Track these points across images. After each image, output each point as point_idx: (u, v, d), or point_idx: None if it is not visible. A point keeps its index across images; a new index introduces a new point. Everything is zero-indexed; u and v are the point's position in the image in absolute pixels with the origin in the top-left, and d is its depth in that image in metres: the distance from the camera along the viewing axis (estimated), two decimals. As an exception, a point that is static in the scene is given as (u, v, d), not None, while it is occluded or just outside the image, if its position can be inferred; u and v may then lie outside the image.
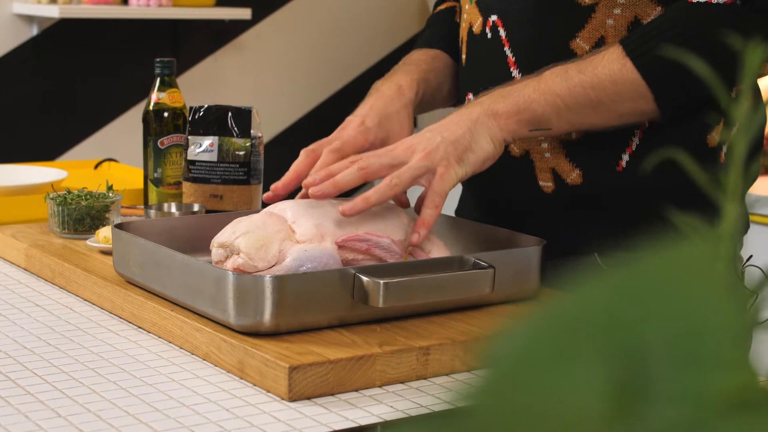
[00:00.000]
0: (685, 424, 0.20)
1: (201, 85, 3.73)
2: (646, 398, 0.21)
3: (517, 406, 0.21)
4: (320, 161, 1.23)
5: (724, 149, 1.26)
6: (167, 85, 1.63)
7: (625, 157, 1.24)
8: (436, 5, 1.55)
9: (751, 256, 1.30)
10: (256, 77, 3.81)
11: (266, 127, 3.85)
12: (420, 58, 1.44)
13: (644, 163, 1.22)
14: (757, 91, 1.30)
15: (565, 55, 1.23)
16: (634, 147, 1.23)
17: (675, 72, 1.15)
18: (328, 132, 1.33)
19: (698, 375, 0.20)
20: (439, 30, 1.48)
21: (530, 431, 0.20)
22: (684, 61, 0.36)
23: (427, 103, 1.42)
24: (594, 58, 1.18)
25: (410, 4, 4.06)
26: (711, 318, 0.21)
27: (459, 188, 1.45)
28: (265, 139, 3.87)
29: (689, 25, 1.16)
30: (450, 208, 1.48)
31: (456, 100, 1.46)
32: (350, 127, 1.29)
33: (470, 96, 1.36)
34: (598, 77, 1.16)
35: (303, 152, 1.25)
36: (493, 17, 1.30)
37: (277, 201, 1.21)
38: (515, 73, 1.27)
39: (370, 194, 1.13)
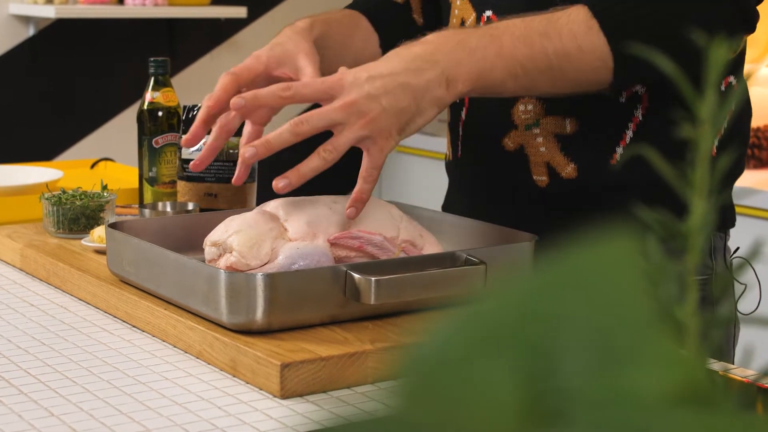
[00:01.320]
0: (609, 417, 0.20)
1: (197, 84, 3.73)
2: (558, 392, 0.21)
3: (435, 404, 0.21)
4: (217, 86, 1.21)
5: (716, 142, 1.26)
6: (161, 84, 1.63)
7: (620, 150, 1.24)
8: None
9: (738, 248, 1.30)
10: (253, 75, 3.81)
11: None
12: (328, 9, 1.40)
13: (617, 160, 1.22)
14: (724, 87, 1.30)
15: None
16: (628, 140, 1.24)
17: (643, 46, 1.13)
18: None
19: (614, 370, 0.21)
20: (369, 5, 1.43)
21: (446, 429, 0.20)
22: (651, 59, 0.37)
23: (332, 46, 1.34)
24: (560, 18, 1.12)
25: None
26: (627, 314, 0.22)
27: (444, 183, 1.46)
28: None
29: None
30: (436, 203, 1.48)
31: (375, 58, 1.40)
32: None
33: None
34: (563, 44, 1.11)
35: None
36: (488, 12, 1.30)
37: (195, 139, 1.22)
38: None
39: (303, 169, 1.08)
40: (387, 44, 1.36)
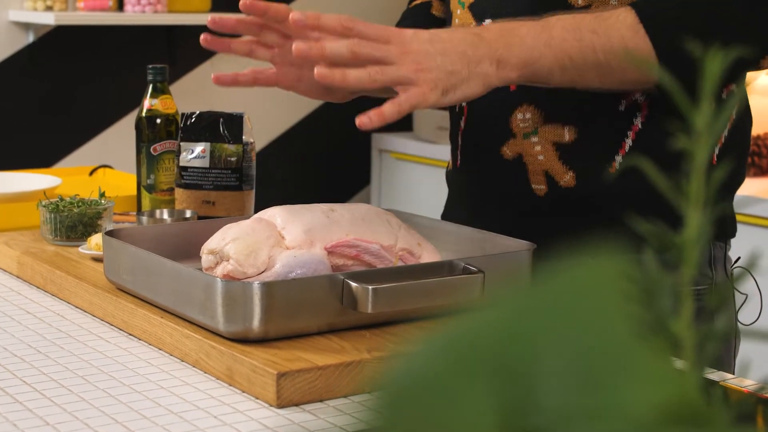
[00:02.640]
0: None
1: (197, 91, 3.73)
2: (538, 417, 0.20)
3: (412, 427, 0.21)
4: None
5: (716, 150, 1.26)
6: (160, 91, 1.63)
7: (618, 159, 1.24)
8: (410, 1, 1.54)
9: (738, 258, 1.30)
10: (253, 82, 3.81)
11: (261, 133, 3.85)
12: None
13: (616, 168, 1.22)
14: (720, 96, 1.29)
15: None
16: (627, 148, 1.23)
17: (684, 50, 1.15)
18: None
19: (598, 390, 0.20)
20: (421, 22, 1.47)
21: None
22: (648, 68, 0.36)
23: None
24: (608, 18, 1.15)
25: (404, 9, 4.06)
26: (611, 333, 0.21)
27: (444, 191, 1.45)
28: (260, 145, 3.87)
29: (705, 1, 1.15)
30: (436, 212, 1.47)
31: None
32: None
33: None
34: (611, 41, 1.14)
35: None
36: (488, 21, 1.30)
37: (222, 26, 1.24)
38: None
39: (349, 73, 1.10)
40: None
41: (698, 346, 0.34)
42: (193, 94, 3.70)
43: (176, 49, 3.69)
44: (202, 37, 1.26)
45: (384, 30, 1.13)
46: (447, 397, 0.21)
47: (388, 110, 1.10)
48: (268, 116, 3.85)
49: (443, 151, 3.39)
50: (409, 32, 1.13)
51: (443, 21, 1.45)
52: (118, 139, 3.63)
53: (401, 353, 0.23)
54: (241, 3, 1.22)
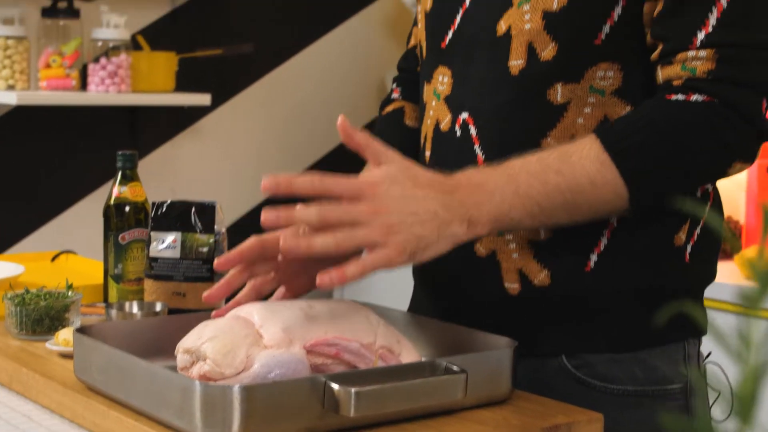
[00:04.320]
0: None
1: (160, 171, 3.70)
2: None
3: None
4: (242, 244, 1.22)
5: (689, 249, 1.25)
6: (129, 178, 1.60)
7: (594, 258, 1.23)
8: (383, 106, 1.52)
9: (710, 353, 1.28)
10: (216, 162, 3.80)
11: (226, 212, 3.83)
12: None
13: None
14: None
15: None
16: (602, 247, 1.23)
17: (653, 174, 1.15)
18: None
19: None
20: (394, 133, 1.45)
21: None
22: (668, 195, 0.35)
23: None
24: (573, 154, 1.15)
25: (369, 89, 4.08)
26: None
27: (410, 283, 1.42)
28: (226, 224, 3.84)
29: (669, 124, 1.15)
30: (402, 301, 1.44)
31: None
32: None
33: None
34: (576, 180, 1.14)
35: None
36: (464, 115, 1.28)
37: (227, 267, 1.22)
38: None
39: (315, 242, 1.07)
40: None
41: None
42: (155, 173, 3.67)
43: (139, 130, 3.67)
44: (213, 314, 1.23)
45: (355, 186, 1.09)
46: None
47: (351, 271, 1.07)
48: (235, 195, 3.83)
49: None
50: (383, 186, 1.09)
51: (416, 131, 1.43)
52: (79, 221, 3.59)
53: None
54: (215, 263, 1.22)
